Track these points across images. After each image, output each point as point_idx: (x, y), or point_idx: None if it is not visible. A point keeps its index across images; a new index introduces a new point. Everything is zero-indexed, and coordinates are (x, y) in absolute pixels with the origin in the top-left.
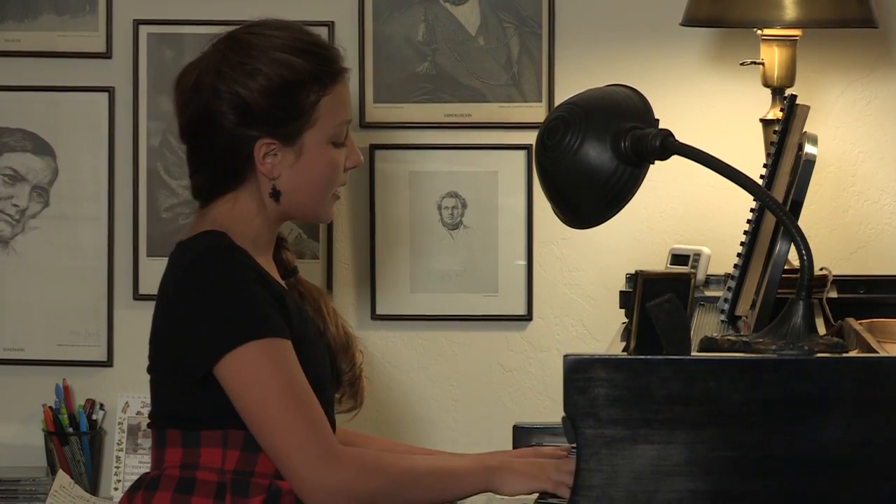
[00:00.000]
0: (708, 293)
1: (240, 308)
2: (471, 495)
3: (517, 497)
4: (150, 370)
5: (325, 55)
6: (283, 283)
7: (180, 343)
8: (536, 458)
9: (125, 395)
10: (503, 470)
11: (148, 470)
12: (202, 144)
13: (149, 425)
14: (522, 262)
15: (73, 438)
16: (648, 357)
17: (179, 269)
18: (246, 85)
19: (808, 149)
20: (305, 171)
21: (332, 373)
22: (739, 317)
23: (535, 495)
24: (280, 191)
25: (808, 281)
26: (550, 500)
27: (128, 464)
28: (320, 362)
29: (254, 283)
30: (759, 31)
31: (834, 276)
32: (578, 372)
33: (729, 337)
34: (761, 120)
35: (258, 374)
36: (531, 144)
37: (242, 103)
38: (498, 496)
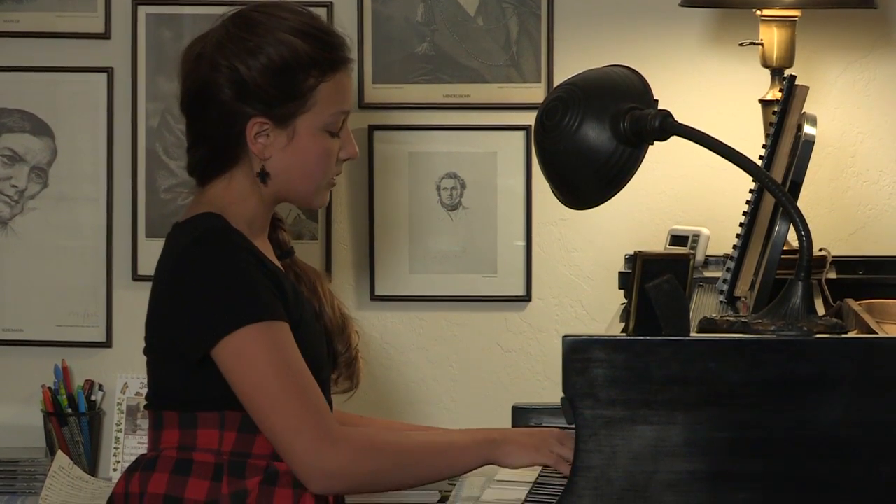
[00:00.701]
0: (707, 274)
1: (237, 291)
2: (473, 469)
3: (518, 473)
4: (146, 352)
5: (329, 42)
6: (278, 264)
7: (177, 326)
8: (549, 430)
9: (124, 375)
10: (506, 442)
11: (146, 451)
12: (198, 117)
13: (146, 407)
14: (521, 243)
15: (72, 419)
16: (647, 338)
17: (175, 251)
18: (246, 61)
19: (808, 129)
20: (296, 155)
21: (329, 354)
22: (738, 297)
23: (537, 472)
24: (269, 172)
25: (806, 262)
26: (553, 477)
27: (126, 444)
28: (317, 343)
29: (250, 266)
30: (759, 12)
31: (833, 256)
32: (577, 353)
33: (728, 318)
34: (760, 100)
35: (256, 357)
36: (530, 125)
37: (240, 79)
38: (496, 478)
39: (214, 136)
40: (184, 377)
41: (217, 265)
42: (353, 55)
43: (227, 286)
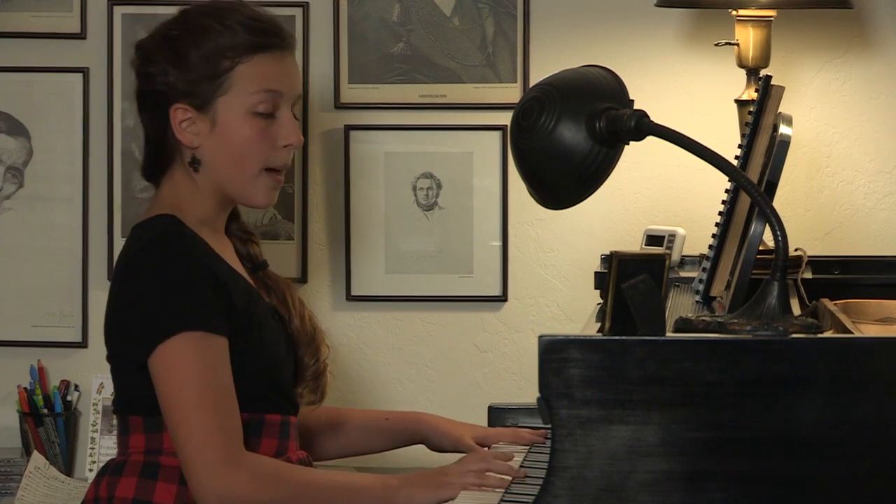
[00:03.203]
0: (683, 274)
1: (176, 299)
2: None
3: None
4: (108, 358)
5: (251, 26)
6: (234, 263)
7: (123, 332)
8: (447, 466)
9: (100, 376)
10: (405, 486)
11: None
12: (138, 114)
13: (113, 411)
14: (497, 243)
15: (48, 419)
16: (623, 338)
17: (127, 256)
18: (162, 48)
19: (783, 129)
20: (223, 140)
21: (293, 362)
22: (714, 297)
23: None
24: (199, 160)
25: (782, 262)
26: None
27: (102, 445)
28: (273, 342)
29: (196, 274)
30: (734, 12)
31: (808, 256)
32: (553, 353)
33: (704, 317)
34: (736, 100)
35: (181, 365)
36: (506, 125)
37: (158, 67)
38: None
39: (149, 132)
40: (143, 383)
41: (160, 273)
42: (289, 45)
43: (168, 294)
